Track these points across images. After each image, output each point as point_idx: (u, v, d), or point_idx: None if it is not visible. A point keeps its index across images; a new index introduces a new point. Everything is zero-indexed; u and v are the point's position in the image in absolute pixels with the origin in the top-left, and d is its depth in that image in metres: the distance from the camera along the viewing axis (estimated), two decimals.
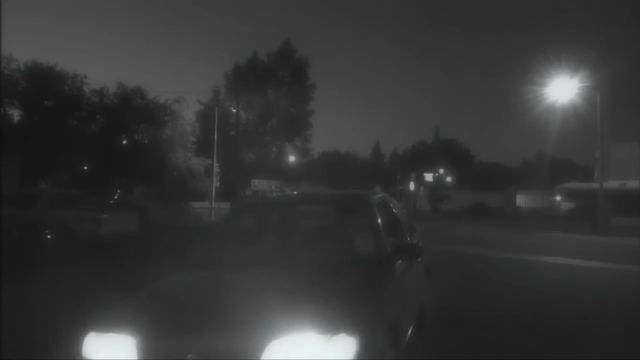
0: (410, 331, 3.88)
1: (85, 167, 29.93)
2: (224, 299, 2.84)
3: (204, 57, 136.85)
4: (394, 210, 4.88)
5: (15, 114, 28.83)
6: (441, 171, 65.44)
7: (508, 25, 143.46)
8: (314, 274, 3.14)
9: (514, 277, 9.22)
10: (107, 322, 2.72)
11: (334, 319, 2.51)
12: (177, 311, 2.77)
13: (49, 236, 11.92)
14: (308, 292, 2.84)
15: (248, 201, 7.74)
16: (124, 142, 29.83)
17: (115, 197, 28.45)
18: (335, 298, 2.71)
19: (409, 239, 4.70)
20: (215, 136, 30.33)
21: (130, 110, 28.89)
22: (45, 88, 27.41)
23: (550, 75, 23.89)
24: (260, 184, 35.49)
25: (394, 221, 4.59)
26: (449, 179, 67.13)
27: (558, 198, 37.21)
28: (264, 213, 4.84)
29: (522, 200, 48.29)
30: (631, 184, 29.63)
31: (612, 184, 27.67)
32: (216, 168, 31.40)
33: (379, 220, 3.79)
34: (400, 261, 3.65)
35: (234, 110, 38.16)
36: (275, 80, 47.02)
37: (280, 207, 4.89)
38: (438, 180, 62.75)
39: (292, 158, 47.64)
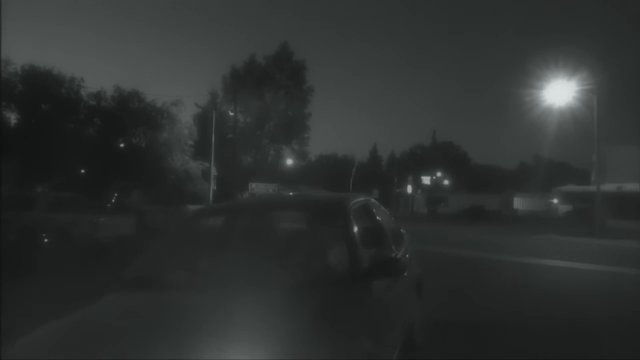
0: (396, 355, 3.43)
1: (83, 171, 29.85)
2: (138, 338, 2.23)
3: (202, 60, 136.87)
4: (377, 217, 4.24)
5: (13, 118, 28.78)
6: (438, 174, 65.60)
7: (505, 28, 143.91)
8: (261, 303, 2.49)
9: (511, 282, 9.22)
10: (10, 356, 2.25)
11: None
12: (89, 349, 2.26)
13: (45, 239, 11.89)
14: (244, 334, 2.19)
15: (206, 206, 6.54)
16: (122, 145, 29.76)
17: (113, 200, 28.38)
18: (278, 341, 2.12)
19: (394, 250, 4.07)
20: (213, 139, 30.30)
21: (128, 114, 28.83)
22: (42, 91, 27.35)
23: (548, 78, 23.96)
24: (257, 187, 35.54)
25: (376, 230, 4.02)
26: (446, 182, 67.27)
27: (555, 201, 37.26)
28: (220, 220, 4.17)
29: (519, 203, 48.40)
30: (628, 186, 29.71)
31: (609, 187, 27.72)
32: (214, 171, 31.35)
33: (355, 230, 3.17)
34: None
35: (231, 114, 38.16)
36: (273, 83, 47.09)
37: (238, 214, 4.16)
38: (435, 183, 62.91)
39: (289, 161, 47.68)
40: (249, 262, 3.12)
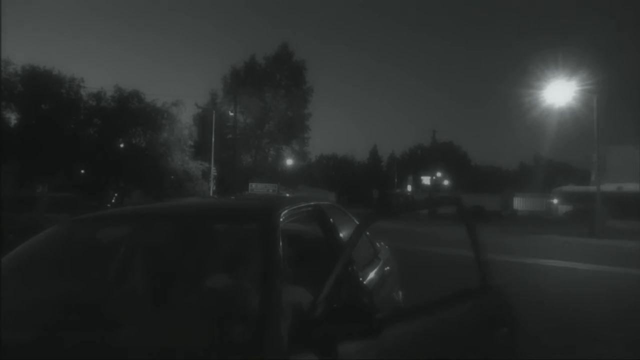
0: None
1: (83, 171, 29.87)
2: None
3: (202, 60, 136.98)
4: (339, 233, 2.88)
5: (13, 118, 28.82)
6: (438, 174, 65.58)
7: (505, 28, 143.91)
8: None
9: (511, 282, 9.20)
10: None
11: None
12: None
13: None
14: None
15: (93, 212, 2.93)
16: (122, 145, 29.77)
17: (113, 200, 28.40)
18: None
19: (354, 274, 2.70)
20: (213, 139, 30.37)
21: (128, 114, 28.84)
22: (42, 92, 27.38)
23: (548, 78, 23.99)
24: (257, 187, 35.58)
25: (333, 256, 2.29)
26: (446, 182, 67.25)
27: (555, 201, 37.25)
28: (100, 233, 2.84)
29: (519, 203, 48.31)
30: (628, 187, 29.72)
31: (609, 187, 27.73)
32: (214, 171, 31.41)
33: (279, 258, 1.97)
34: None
35: (231, 114, 38.17)
36: (273, 83, 47.07)
37: (126, 224, 2.88)
38: (435, 184, 62.87)
39: (289, 161, 47.68)
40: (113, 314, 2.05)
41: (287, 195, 12.96)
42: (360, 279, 2.79)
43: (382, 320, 1.72)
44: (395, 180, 64.87)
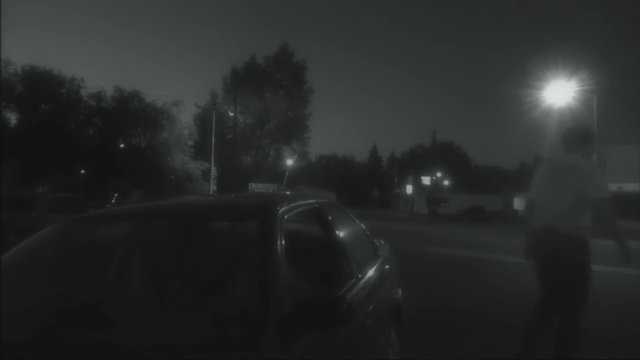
0: None
1: (83, 171, 29.87)
2: None
3: (202, 60, 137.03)
4: (337, 232, 2.94)
5: (13, 118, 28.82)
6: (439, 174, 65.63)
7: (505, 28, 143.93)
8: None
9: (511, 283, 9.20)
10: None
11: None
12: None
13: None
14: None
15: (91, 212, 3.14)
16: (121, 145, 29.78)
17: (113, 200, 28.42)
18: None
19: (354, 273, 2.73)
20: (213, 139, 30.35)
21: (128, 114, 28.83)
22: (42, 92, 27.36)
23: (548, 78, 24.01)
24: (257, 188, 35.59)
25: (332, 254, 2.69)
26: (446, 182, 67.29)
27: None
28: (99, 232, 2.87)
29: (519, 203, 48.31)
30: (628, 187, 29.69)
31: (609, 187, 27.70)
32: (214, 172, 31.38)
33: (280, 250, 2.01)
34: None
35: (231, 114, 38.20)
36: (273, 83, 47.15)
37: (124, 223, 2.85)
38: (435, 184, 62.90)
39: (289, 161, 47.71)
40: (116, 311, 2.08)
41: (287, 193, 13.23)
42: (353, 267, 2.77)
43: (345, 313, 1.76)
44: (395, 180, 64.89)
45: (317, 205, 2.92)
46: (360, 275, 2.82)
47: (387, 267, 3.65)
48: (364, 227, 3.83)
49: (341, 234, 3.00)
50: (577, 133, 4.08)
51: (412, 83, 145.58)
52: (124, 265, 2.60)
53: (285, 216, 2.34)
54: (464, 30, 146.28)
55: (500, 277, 9.53)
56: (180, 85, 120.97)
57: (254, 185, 37.11)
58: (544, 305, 4.03)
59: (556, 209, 3.90)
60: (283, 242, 2.08)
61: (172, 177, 29.49)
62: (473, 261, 12.01)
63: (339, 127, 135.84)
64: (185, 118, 32.18)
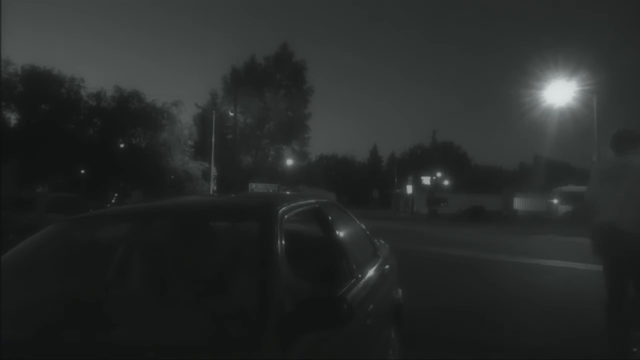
0: None
1: (83, 171, 29.86)
2: None
3: (202, 60, 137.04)
4: (337, 232, 2.94)
5: (13, 118, 28.81)
6: (439, 174, 65.57)
7: (506, 28, 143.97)
8: None
9: (512, 281, 9.20)
10: None
11: None
12: None
13: None
14: None
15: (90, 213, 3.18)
16: (121, 145, 29.77)
17: (113, 200, 28.42)
18: None
19: (354, 273, 2.73)
20: (213, 139, 30.35)
21: (128, 114, 28.82)
22: (42, 92, 27.36)
23: (548, 78, 24.01)
24: (257, 188, 35.59)
25: (332, 254, 2.71)
26: (446, 182, 67.27)
27: (555, 201, 37.21)
28: (99, 232, 2.81)
29: (519, 203, 48.31)
30: None
31: None
32: (214, 172, 31.38)
33: (279, 254, 1.99)
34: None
35: (231, 114, 38.19)
36: (273, 83, 47.16)
37: (124, 223, 2.83)
38: (435, 184, 62.84)
39: (289, 161, 47.70)
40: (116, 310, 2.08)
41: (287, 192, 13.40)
42: (353, 267, 2.77)
43: (345, 313, 1.76)
44: (395, 180, 64.88)
45: (317, 205, 2.92)
46: (360, 275, 2.82)
47: (387, 267, 3.65)
48: (364, 227, 3.82)
49: (341, 234, 3.00)
50: (626, 134, 4.26)
51: (412, 83, 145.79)
52: (124, 265, 2.59)
53: (285, 216, 2.34)
54: (464, 31, 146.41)
55: (500, 277, 9.53)
56: (180, 85, 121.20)
57: (254, 185, 37.12)
58: (618, 297, 4.32)
59: (615, 206, 4.05)
60: (283, 242, 2.08)
61: (172, 177, 29.48)
62: (473, 261, 12.01)
63: (339, 127, 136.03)
64: (185, 118, 32.19)
